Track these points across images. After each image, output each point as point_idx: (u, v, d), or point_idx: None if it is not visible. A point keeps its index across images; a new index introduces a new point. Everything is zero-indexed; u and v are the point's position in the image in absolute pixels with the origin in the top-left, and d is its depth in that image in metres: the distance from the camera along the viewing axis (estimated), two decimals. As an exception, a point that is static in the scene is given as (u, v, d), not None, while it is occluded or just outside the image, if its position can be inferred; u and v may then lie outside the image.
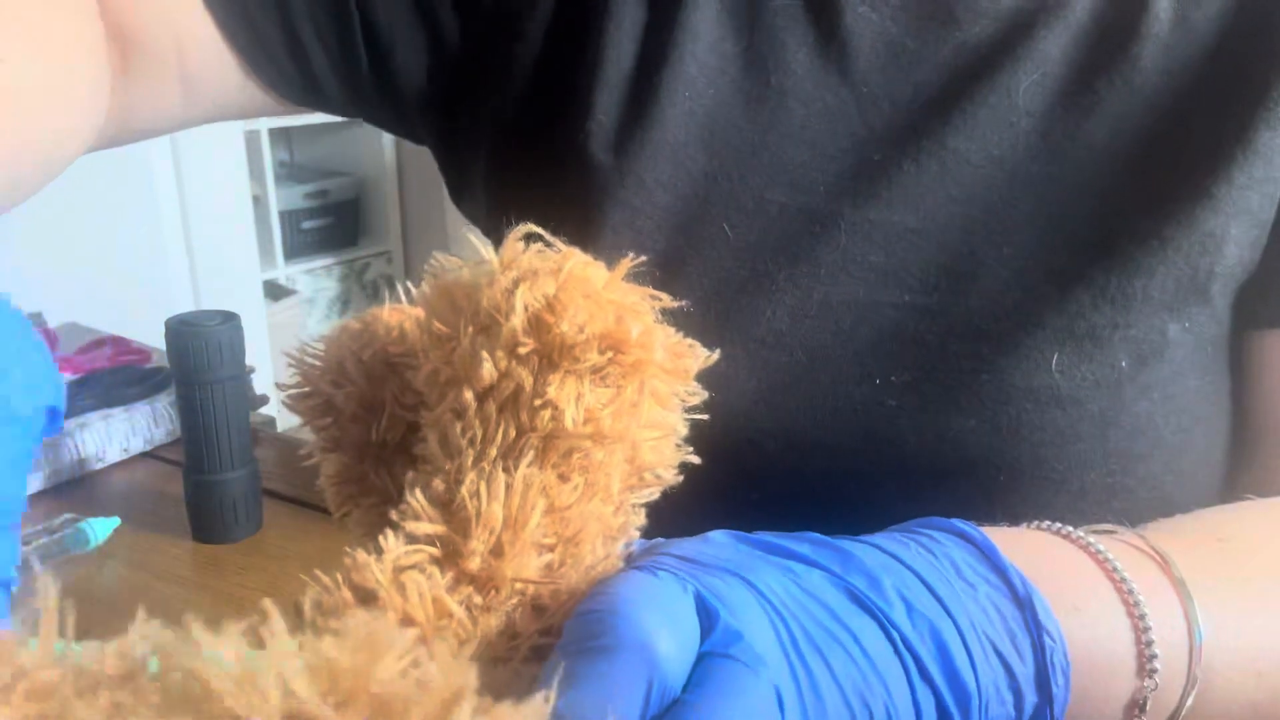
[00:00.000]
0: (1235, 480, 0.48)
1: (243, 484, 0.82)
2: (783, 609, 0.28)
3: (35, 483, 0.87)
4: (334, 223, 2.85)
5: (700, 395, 0.31)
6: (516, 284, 0.29)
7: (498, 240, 0.56)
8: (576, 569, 0.28)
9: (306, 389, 0.36)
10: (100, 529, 0.80)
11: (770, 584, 0.28)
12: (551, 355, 0.28)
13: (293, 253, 2.73)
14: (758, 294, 0.48)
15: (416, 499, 0.29)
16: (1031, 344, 0.44)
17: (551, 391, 0.28)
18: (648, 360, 0.28)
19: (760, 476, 0.47)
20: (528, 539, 0.27)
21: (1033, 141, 0.47)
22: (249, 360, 0.83)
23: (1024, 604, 0.30)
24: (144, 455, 0.97)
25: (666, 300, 0.31)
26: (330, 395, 0.35)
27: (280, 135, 2.84)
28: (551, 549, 0.28)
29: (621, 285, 0.30)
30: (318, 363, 0.36)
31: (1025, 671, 0.29)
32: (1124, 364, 0.44)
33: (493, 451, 0.28)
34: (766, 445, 0.47)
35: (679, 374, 0.30)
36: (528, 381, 0.28)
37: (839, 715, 0.26)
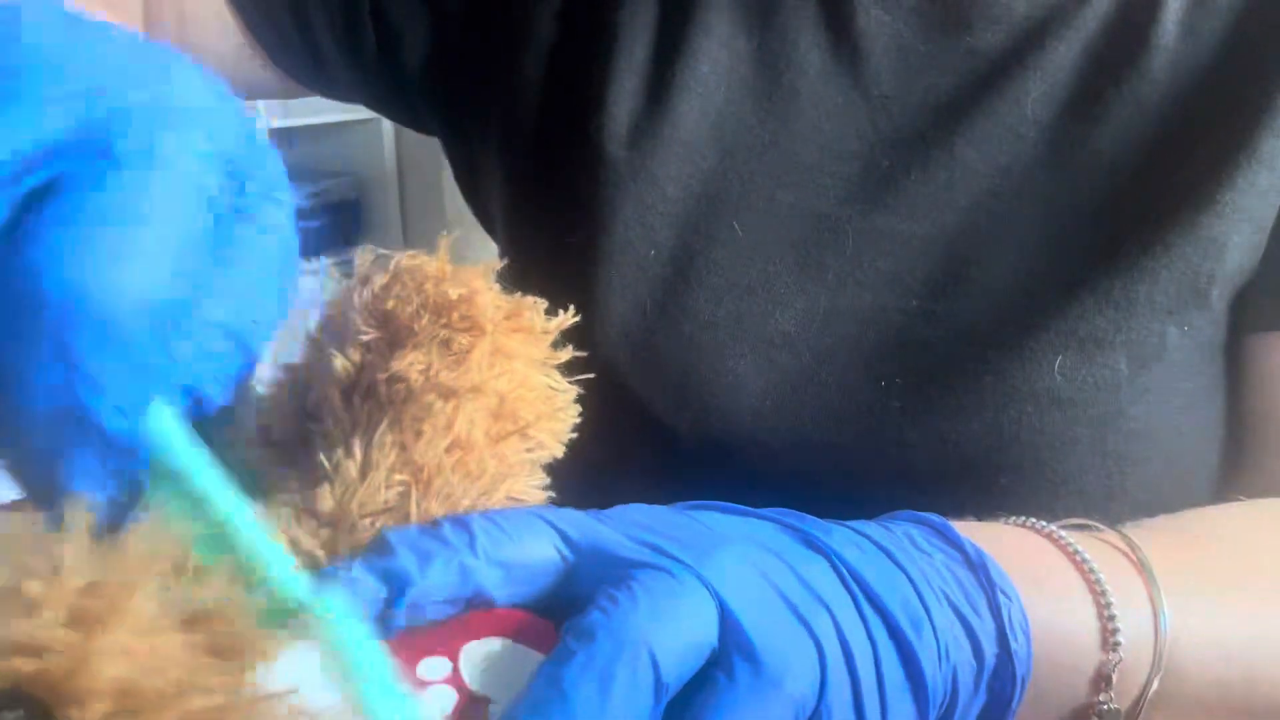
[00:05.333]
0: (1231, 484, 0.48)
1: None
2: (722, 535, 0.29)
3: (35, 483, 0.87)
4: (334, 223, 2.85)
5: (565, 354, 0.33)
6: (353, 286, 0.32)
7: (513, 234, 0.56)
8: (436, 502, 0.30)
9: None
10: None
11: (711, 518, 0.30)
12: (396, 337, 0.31)
13: (293, 253, 2.73)
14: (766, 296, 0.48)
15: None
16: (1035, 347, 0.45)
17: (395, 365, 0.30)
18: (480, 319, 0.30)
19: (764, 476, 0.48)
20: (379, 481, 0.29)
21: (1040, 151, 0.47)
22: (249, 360, 0.83)
23: (977, 567, 0.31)
24: (144, 455, 0.97)
25: (494, 264, 0.33)
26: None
27: (280, 135, 2.84)
28: (405, 485, 0.30)
29: (449, 265, 0.32)
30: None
31: (983, 626, 0.30)
32: (1124, 367, 0.44)
33: (359, 432, 0.30)
34: (771, 445, 0.47)
35: (526, 331, 0.32)
36: (380, 365, 0.31)
37: (781, 622, 0.27)
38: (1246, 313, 0.47)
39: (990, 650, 0.30)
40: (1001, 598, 0.30)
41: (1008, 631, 0.30)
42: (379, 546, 0.27)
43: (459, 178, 0.61)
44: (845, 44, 0.50)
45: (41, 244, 0.24)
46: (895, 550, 0.30)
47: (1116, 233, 0.46)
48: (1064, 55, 0.48)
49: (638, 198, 0.49)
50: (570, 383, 0.33)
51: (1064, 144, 0.47)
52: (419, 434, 0.30)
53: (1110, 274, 0.45)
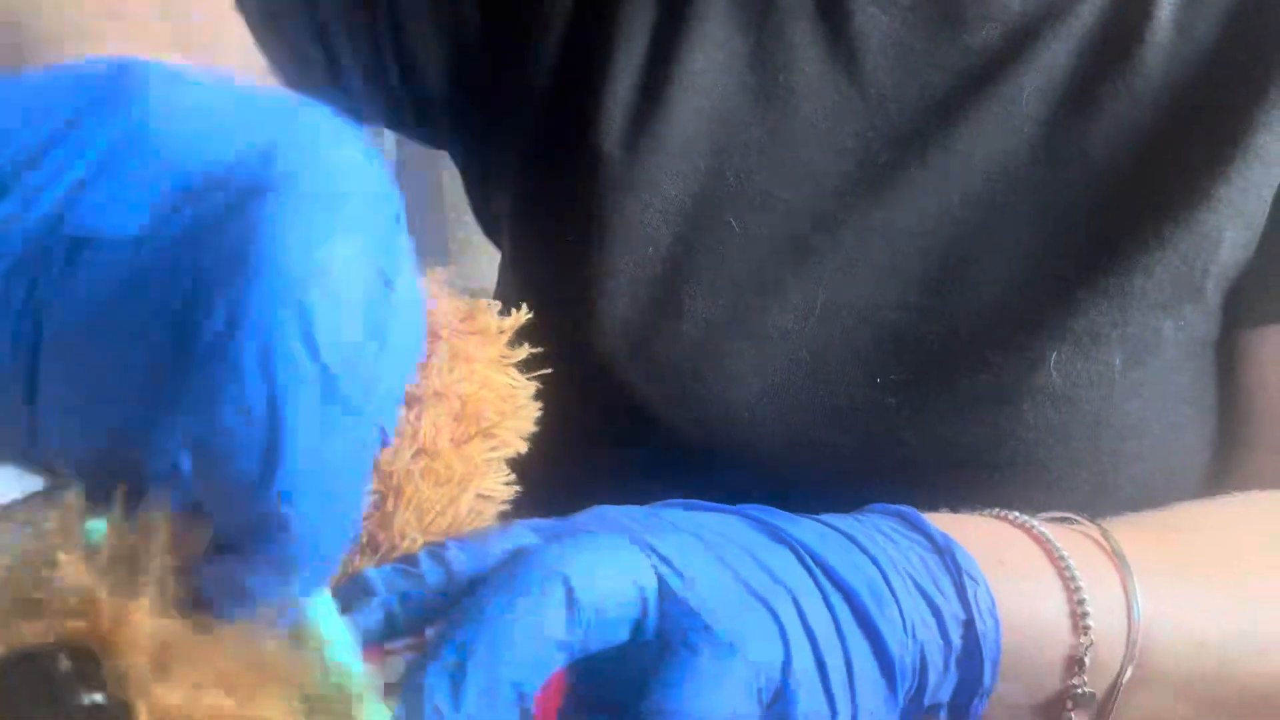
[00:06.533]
0: (1223, 478, 0.49)
1: (242, 484, 0.82)
2: (681, 525, 0.29)
3: (35, 483, 0.87)
4: (334, 222, 2.84)
5: (522, 351, 0.33)
6: None
7: (516, 237, 0.56)
8: (409, 510, 0.30)
9: None
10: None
11: (674, 513, 0.30)
12: None
13: (293, 252, 2.73)
14: (763, 292, 0.48)
15: None
16: (1031, 343, 0.45)
17: None
18: (435, 325, 0.31)
19: (760, 473, 0.48)
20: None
21: (1036, 147, 0.48)
22: (249, 360, 0.83)
23: (944, 552, 0.31)
24: (144, 455, 0.97)
25: (445, 270, 0.33)
26: None
27: (280, 135, 2.84)
28: (377, 495, 0.30)
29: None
30: None
31: (949, 607, 0.30)
32: (1118, 363, 0.45)
33: None
34: (768, 442, 0.48)
35: (482, 333, 0.32)
36: None
37: (738, 599, 0.27)
38: (1239, 307, 0.47)
39: (957, 631, 0.30)
40: (968, 580, 0.31)
41: (974, 613, 0.30)
42: (364, 590, 0.27)
43: (470, 191, 0.61)
44: (841, 43, 0.50)
45: (257, 218, 0.20)
46: (860, 537, 0.30)
47: (1112, 228, 0.46)
48: (1059, 51, 0.48)
49: (635, 197, 0.50)
50: (548, 381, 0.34)
51: (1060, 140, 0.47)
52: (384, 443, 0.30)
53: (1106, 269, 0.45)
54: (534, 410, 0.33)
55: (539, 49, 0.53)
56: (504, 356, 0.33)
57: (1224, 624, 0.35)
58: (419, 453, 0.30)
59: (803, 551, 0.29)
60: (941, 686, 0.30)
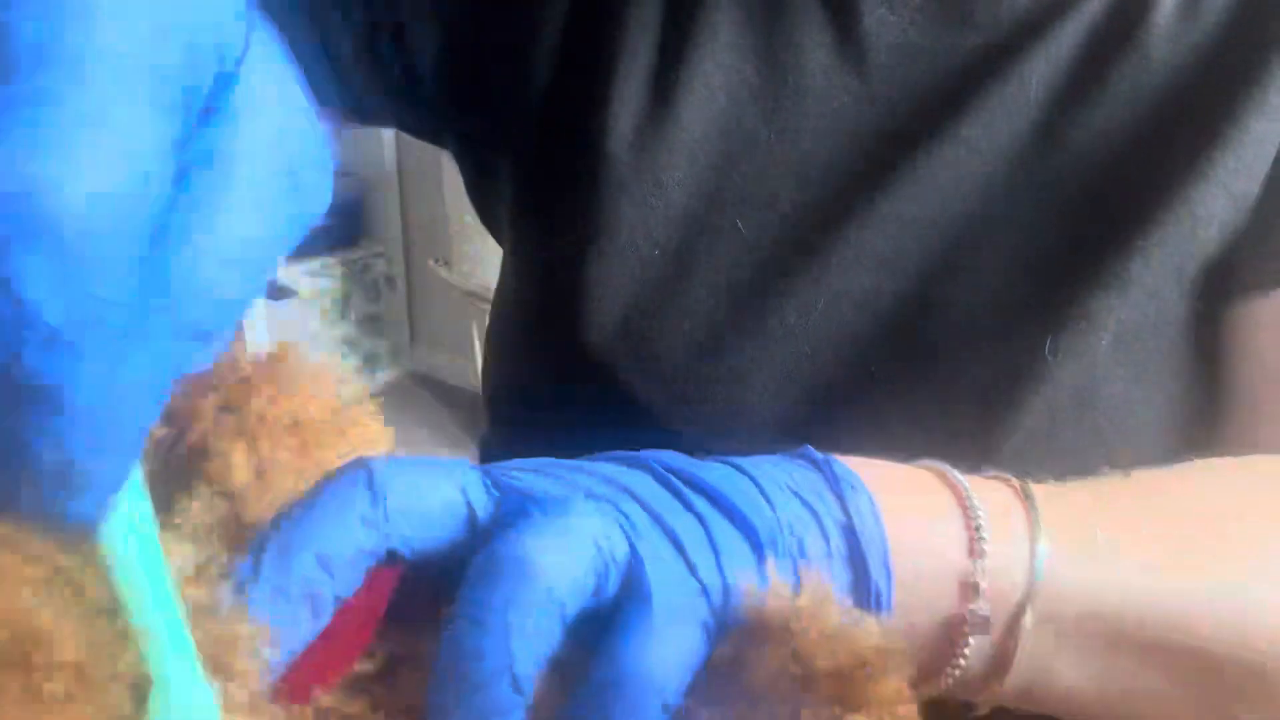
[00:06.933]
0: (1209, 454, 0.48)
1: (243, 484, 0.82)
2: (527, 462, 0.29)
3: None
4: (334, 223, 2.85)
5: (349, 366, 0.34)
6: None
7: (517, 236, 0.56)
8: (255, 527, 0.31)
9: None
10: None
11: (533, 459, 0.30)
12: (185, 424, 0.32)
13: (293, 253, 2.73)
14: (769, 290, 0.49)
15: None
16: (1027, 330, 0.46)
17: (188, 440, 0.32)
18: (243, 369, 0.32)
19: None
20: (198, 509, 0.30)
21: (1040, 133, 0.48)
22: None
23: (821, 465, 0.31)
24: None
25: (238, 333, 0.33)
26: None
27: (280, 135, 2.84)
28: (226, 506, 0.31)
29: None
30: None
31: (828, 509, 0.29)
32: (1109, 345, 0.45)
33: (174, 501, 0.32)
34: (766, 438, 0.48)
35: (296, 365, 0.33)
36: (177, 446, 0.33)
37: (572, 490, 0.27)
38: (1228, 280, 0.47)
39: (838, 533, 0.29)
40: (847, 489, 0.30)
41: (854, 516, 0.29)
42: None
43: (469, 185, 0.61)
44: (850, 44, 0.50)
45: None
46: (737, 460, 0.30)
47: (1111, 211, 0.47)
48: (1067, 39, 0.48)
49: (641, 199, 0.50)
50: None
51: (1064, 126, 0.48)
52: (228, 472, 0.31)
53: (1103, 254, 0.46)
54: (377, 417, 0.34)
55: (535, 48, 0.53)
56: (324, 377, 0.34)
57: (1135, 573, 0.33)
58: (261, 470, 0.31)
59: (662, 470, 0.29)
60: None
